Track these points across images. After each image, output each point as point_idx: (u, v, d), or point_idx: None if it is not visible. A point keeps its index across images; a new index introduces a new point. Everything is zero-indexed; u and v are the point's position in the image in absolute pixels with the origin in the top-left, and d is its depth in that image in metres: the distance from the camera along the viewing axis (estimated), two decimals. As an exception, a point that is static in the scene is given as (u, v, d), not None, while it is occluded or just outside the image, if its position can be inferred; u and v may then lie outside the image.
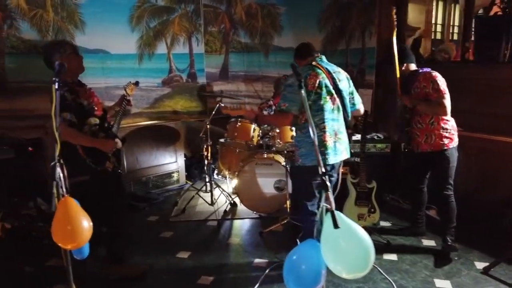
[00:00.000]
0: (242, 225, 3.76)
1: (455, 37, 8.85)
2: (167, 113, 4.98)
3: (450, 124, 2.93)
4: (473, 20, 4.06)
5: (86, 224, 1.59)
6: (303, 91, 1.71)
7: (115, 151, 2.72)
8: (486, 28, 3.69)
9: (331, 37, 5.35)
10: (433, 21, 7.44)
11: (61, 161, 1.55)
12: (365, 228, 1.51)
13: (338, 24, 5.23)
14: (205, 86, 5.32)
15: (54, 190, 1.50)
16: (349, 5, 5.05)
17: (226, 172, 4.25)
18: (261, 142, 3.99)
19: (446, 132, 2.90)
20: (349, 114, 2.61)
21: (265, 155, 3.87)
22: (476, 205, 3.45)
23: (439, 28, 8.33)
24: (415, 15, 6.05)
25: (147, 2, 4.64)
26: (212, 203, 4.12)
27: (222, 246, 3.33)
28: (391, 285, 2.64)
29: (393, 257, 3.03)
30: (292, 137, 3.72)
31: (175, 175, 4.87)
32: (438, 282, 2.68)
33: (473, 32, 4.08)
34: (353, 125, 3.24)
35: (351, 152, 2.73)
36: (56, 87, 1.61)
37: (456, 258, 2.97)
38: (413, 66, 3.04)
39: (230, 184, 4.36)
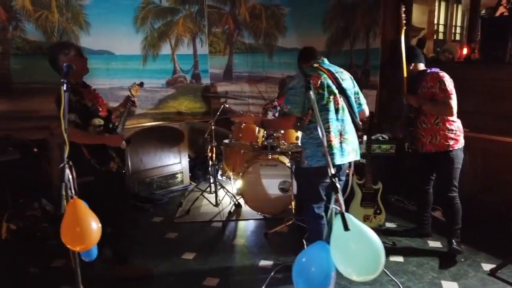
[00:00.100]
0: (247, 226, 3.76)
1: (457, 37, 8.84)
2: (171, 114, 4.98)
3: (456, 125, 2.91)
4: (479, 21, 4.06)
5: (94, 225, 1.59)
6: (311, 92, 1.70)
7: (119, 151, 2.72)
8: (492, 29, 3.68)
9: (335, 38, 5.33)
10: (435, 22, 7.42)
11: (70, 163, 1.54)
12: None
13: (343, 25, 5.22)
14: (209, 87, 5.32)
15: (63, 192, 1.50)
16: (354, 6, 5.05)
17: (231, 173, 4.24)
18: (265, 143, 3.98)
19: (452, 133, 2.88)
20: (357, 115, 2.59)
21: (270, 156, 3.86)
22: (481, 206, 3.43)
23: (441, 28, 8.32)
24: (417, 15, 6.03)
25: (151, 3, 4.64)
26: (216, 204, 4.11)
27: (227, 247, 3.33)
28: (398, 287, 2.63)
29: (399, 258, 3.02)
30: (296, 138, 3.72)
31: (179, 176, 4.87)
32: (445, 284, 2.67)
33: (478, 33, 4.07)
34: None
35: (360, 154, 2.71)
36: (65, 88, 1.61)
37: (462, 260, 2.96)
38: (421, 66, 3.02)
39: (234, 185, 4.35)
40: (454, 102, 2.76)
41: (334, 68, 2.59)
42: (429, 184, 3.22)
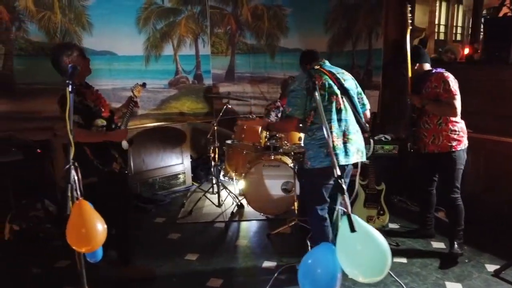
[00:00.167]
0: (249, 227, 3.75)
1: (458, 37, 8.83)
2: (174, 115, 4.99)
3: (459, 126, 2.89)
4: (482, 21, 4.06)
5: (100, 227, 1.58)
6: (317, 93, 1.70)
7: (122, 152, 2.72)
8: (495, 29, 3.68)
9: (337, 38, 5.33)
10: (436, 22, 7.41)
11: (76, 164, 1.54)
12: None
13: (345, 26, 5.22)
14: (211, 87, 5.32)
15: (69, 193, 1.50)
16: (356, 6, 5.04)
17: (233, 174, 4.24)
18: (268, 143, 3.98)
19: (455, 134, 2.87)
20: (362, 115, 2.58)
21: (272, 157, 3.85)
22: (484, 206, 3.42)
23: (442, 28, 8.31)
24: (418, 16, 6.02)
25: (154, 4, 4.65)
26: (219, 205, 4.11)
27: (230, 248, 3.32)
28: (402, 288, 2.63)
29: (403, 259, 3.01)
30: (299, 138, 3.72)
31: (181, 176, 4.87)
32: (449, 285, 2.66)
33: (481, 33, 4.07)
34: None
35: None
36: (70, 89, 1.61)
37: (466, 261, 2.95)
38: (427, 66, 3.01)
39: (237, 185, 4.35)
40: (458, 103, 2.75)
41: (336, 69, 2.60)
42: (432, 185, 3.21)
